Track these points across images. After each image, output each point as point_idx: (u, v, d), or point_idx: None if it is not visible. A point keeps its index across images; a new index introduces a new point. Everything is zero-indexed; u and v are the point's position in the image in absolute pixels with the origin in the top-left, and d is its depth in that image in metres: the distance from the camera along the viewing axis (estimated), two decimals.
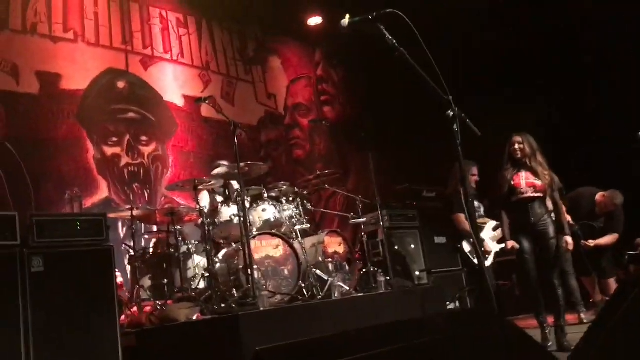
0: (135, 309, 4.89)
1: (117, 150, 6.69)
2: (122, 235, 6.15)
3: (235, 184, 5.63)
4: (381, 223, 6.19)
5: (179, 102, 7.52)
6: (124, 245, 5.56)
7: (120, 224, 6.19)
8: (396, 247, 6.85)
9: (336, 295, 5.06)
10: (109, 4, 7.05)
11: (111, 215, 5.05)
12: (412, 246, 7.12)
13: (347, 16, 2.77)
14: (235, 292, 4.86)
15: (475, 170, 6.11)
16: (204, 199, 5.84)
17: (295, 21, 8.69)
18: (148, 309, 4.81)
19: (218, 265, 5.16)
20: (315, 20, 8.79)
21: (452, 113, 2.51)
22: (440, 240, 7.38)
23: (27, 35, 6.21)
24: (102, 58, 6.83)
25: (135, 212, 5.25)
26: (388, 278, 5.60)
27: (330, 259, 5.51)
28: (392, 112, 9.00)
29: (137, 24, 7.30)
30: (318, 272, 5.32)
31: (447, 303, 6.23)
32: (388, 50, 2.60)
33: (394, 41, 2.56)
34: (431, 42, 2.59)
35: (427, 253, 7.17)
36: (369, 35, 2.71)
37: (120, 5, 7.17)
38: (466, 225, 5.80)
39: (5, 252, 3.60)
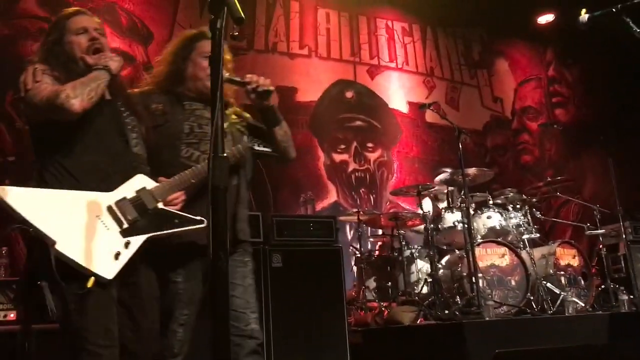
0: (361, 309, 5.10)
1: (345, 157, 7.06)
2: (349, 238, 6.46)
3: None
4: (623, 236, 5.60)
5: (404, 108, 7.67)
6: (351, 247, 5.85)
7: (347, 227, 6.52)
8: None
9: (570, 311, 4.70)
10: (339, 19, 7.48)
11: (340, 218, 5.34)
12: None
13: (584, 11, 2.58)
14: (458, 299, 4.80)
15: None
16: (427, 205, 5.87)
17: (524, 20, 8.28)
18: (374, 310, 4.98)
19: (441, 271, 5.14)
20: (546, 18, 8.29)
21: None
22: None
23: (269, 54, 6.89)
24: (332, 70, 7.29)
25: (361, 216, 5.50)
26: (632, 297, 5.04)
27: (562, 272, 5.13)
28: (636, 113, 8.08)
29: (365, 35, 7.64)
30: (549, 285, 4.99)
31: None
32: (635, 45, 2.35)
33: None
34: None
35: None
36: (610, 30, 2.49)
37: (350, 20, 7.57)
38: None
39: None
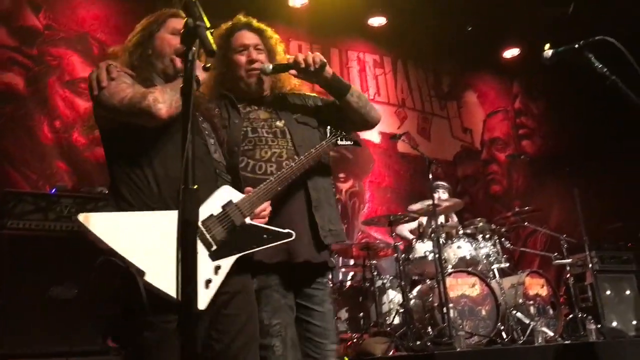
0: None
1: None
2: None
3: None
4: (590, 265, 5.70)
5: (376, 139, 7.74)
6: None
7: None
8: (608, 293, 6.22)
9: (539, 340, 4.73)
10: (311, 51, 7.55)
11: None
12: (628, 292, 6.40)
13: (547, 46, 2.65)
14: (430, 329, 4.80)
15: None
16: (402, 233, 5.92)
17: (491, 54, 8.50)
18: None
19: (413, 301, 5.14)
20: (512, 52, 8.52)
21: None
22: None
23: None
24: None
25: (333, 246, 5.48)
26: (599, 326, 5.10)
27: (531, 302, 5.19)
28: (600, 145, 8.31)
29: (337, 67, 7.70)
30: (519, 314, 5.04)
31: None
32: (597, 79, 2.42)
33: (605, 69, 2.39)
34: None
35: None
36: (574, 64, 2.56)
37: (322, 52, 7.61)
38: None
39: None
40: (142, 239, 1.89)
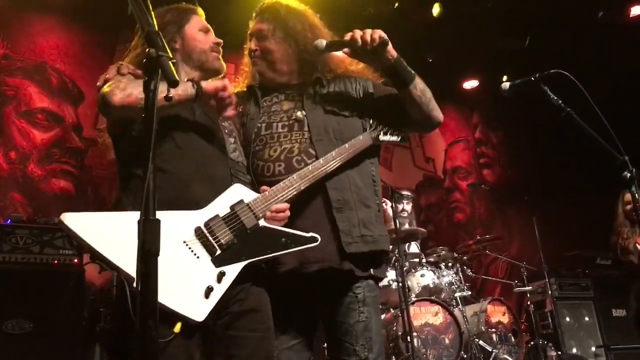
0: None
1: None
2: None
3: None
4: (549, 292, 5.79)
5: None
6: None
7: None
8: (568, 319, 6.32)
9: None
10: None
11: None
12: (587, 319, 6.51)
13: (505, 78, 2.71)
14: (394, 359, 4.77)
15: None
16: (414, 248, 5.89)
17: (451, 85, 8.68)
18: None
19: None
20: (471, 84, 8.72)
21: (629, 175, 2.32)
22: (619, 313, 6.67)
23: None
24: None
25: None
26: (560, 353, 5.16)
27: (494, 329, 5.23)
28: (557, 174, 8.53)
29: None
30: (481, 342, 5.06)
31: None
32: (553, 110, 2.50)
33: (560, 101, 2.46)
34: (602, 99, 2.45)
35: (604, 327, 6.50)
36: (529, 96, 2.63)
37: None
38: None
39: None
40: (131, 241, 1.59)
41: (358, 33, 2.15)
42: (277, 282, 2.10)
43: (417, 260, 5.57)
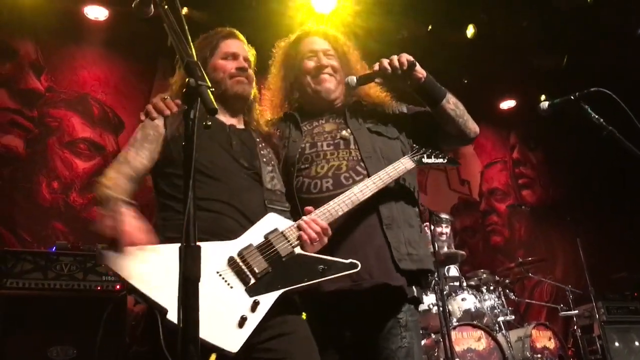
0: None
1: None
2: None
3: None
4: (597, 316, 5.60)
5: None
6: None
7: None
8: (617, 344, 6.09)
9: None
10: None
11: None
12: (637, 343, 6.27)
13: (543, 97, 2.67)
14: None
15: None
16: (453, 271, 5.81)
17: (487, 106, 8.60)
18: None
19: None
20: (508, 104, 8.62)
21: None
22: None
23: None
24: None
25: None
26: None
27: (539, 355, 5.07)
28: (600, 193, 8.32)
29: None
30: None
31: None
32: (594, 129, 2.44)
33: (601, 120, 2.40)
34: None
35: None
36: (569, 114, 2.58)
37: None
38: None
39: None
40: (164, 273, 1.68)
41: (385, 61, 2.20)
42: (326, 300, 2.08)
43: (457, 283, 5.47)
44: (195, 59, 1.57)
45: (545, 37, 6.75)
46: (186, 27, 1.64)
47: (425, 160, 2.30)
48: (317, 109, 2.44)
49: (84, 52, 6.04)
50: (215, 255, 1.81)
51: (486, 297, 5.36)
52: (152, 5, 1.74)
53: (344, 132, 2.33)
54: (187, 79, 1.49)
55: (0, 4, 5.36)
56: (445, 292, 4.89)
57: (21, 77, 5.62)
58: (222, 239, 1.87)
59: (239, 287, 1.80)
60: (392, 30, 6.25)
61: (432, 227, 4.87)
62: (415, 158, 2.29)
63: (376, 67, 2.23)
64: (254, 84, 2.29)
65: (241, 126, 2.25)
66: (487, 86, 7.83)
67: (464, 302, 5.23)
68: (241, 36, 2.36)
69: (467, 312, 5.18)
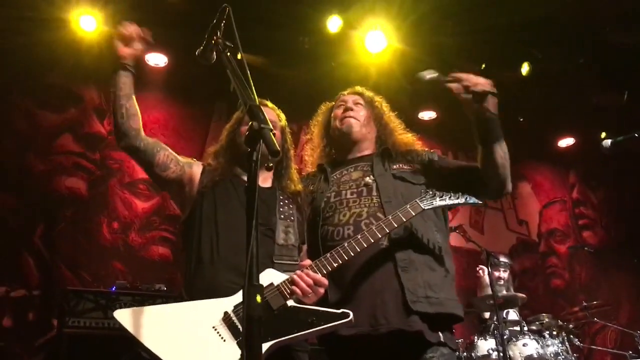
0: None
1: None
2: None
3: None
4: None
5: None
6: None
7: None
8: None
9: None
10: None
11: None
12: None
13: (604, 135, 2.62)
14: None
15: None
16: (513, 316, 5.65)
17: (545, 144, 8.43)
18: None
19: None
20: (566, 142, 8.43)
21: None
22: None
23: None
24: None
25: None
26: None
27: None
28: None
29: None
30: None
31: None
32: None
33: None
34: None
35: None
36: (632, 152, 2.50)
37: None
38: None
39: None
40: (166, 330, 1.89)
41: (465, 75, 2.23)
42: (347, 345, 2.14)
43: (517, 328, 5.28)
44: (257, 102, 1.61)
45: (603, 73, 6.62)
46: (248, 72, 1.69)
47: (437, 202, 2.24)
48: (344, 154, 2.55)
49: (145, 96, 6.26)
50: (212, 311, 1.95)
51: (549, 342, 5.13)
52: (214, 52, 1.81)
53: (367, 179, 2.41)
54: (250, 122, 1.53)
55: (66, 54, 5.64)
56: (505, 337, 4.72)
57: (85, 122, 5.88)
58: (221, 296, 2.00)
59: (231, 340, 1.91)
60: (444, 70, 6.25)
61: (490, 270, 4.75)
62: (424, 203, 2.24)
63: (452, 75, 2.26)
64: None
65: (266, 185, 2.36)
66: (544, 124, 7.70)
67: (526, 347, 5.03)
68: (270, 104, 2.51)
69: (529, 358, 4.96)
